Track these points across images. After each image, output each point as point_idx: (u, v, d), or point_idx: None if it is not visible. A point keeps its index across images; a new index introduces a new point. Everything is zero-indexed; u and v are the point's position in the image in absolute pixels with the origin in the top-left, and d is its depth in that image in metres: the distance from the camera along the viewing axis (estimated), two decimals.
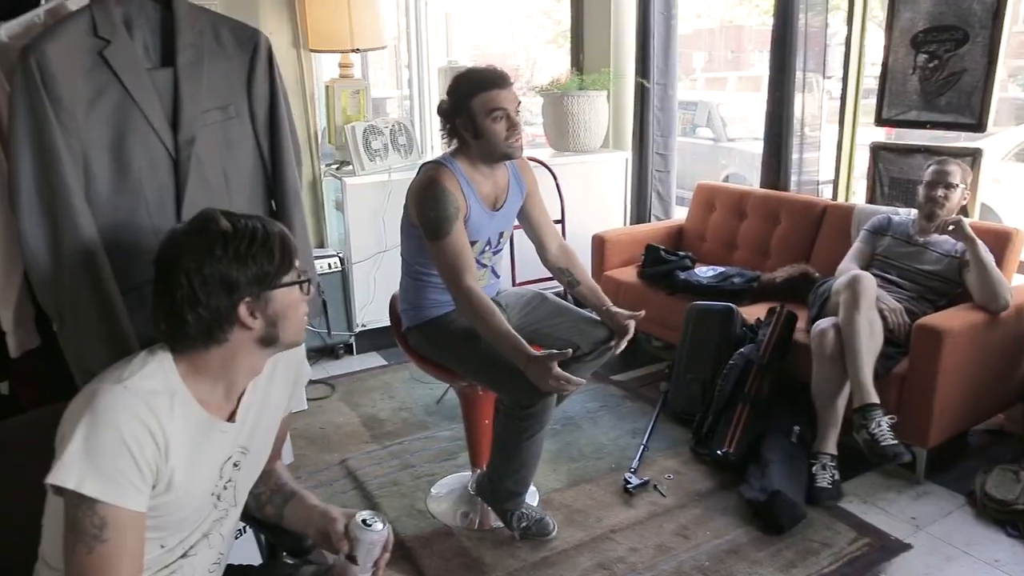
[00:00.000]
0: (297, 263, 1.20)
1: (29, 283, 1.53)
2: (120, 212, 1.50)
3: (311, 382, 3.37)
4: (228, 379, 1.18)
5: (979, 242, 2.48)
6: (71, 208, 1.42)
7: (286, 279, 1.17)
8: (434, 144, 4.48)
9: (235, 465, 1.21)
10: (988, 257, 2.48)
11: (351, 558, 1.18)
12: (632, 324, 2.13)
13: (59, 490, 1.01)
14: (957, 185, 2.64)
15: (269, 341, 1.18)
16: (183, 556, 1.18)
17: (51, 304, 1.49)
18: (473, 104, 2.03)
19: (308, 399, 3.21)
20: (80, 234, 1.44)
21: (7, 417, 1.30)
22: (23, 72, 1.36)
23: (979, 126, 2.88)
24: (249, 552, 1.59)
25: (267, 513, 1.34)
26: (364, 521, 1.18)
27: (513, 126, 2.04)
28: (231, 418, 1.20)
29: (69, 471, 0.99)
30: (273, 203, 1.78)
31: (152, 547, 1.12)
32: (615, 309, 2.18)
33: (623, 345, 2.14)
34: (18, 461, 1.19)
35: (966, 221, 2.53)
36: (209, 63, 1.58)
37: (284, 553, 1.40)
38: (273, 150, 1.72)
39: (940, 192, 2.64)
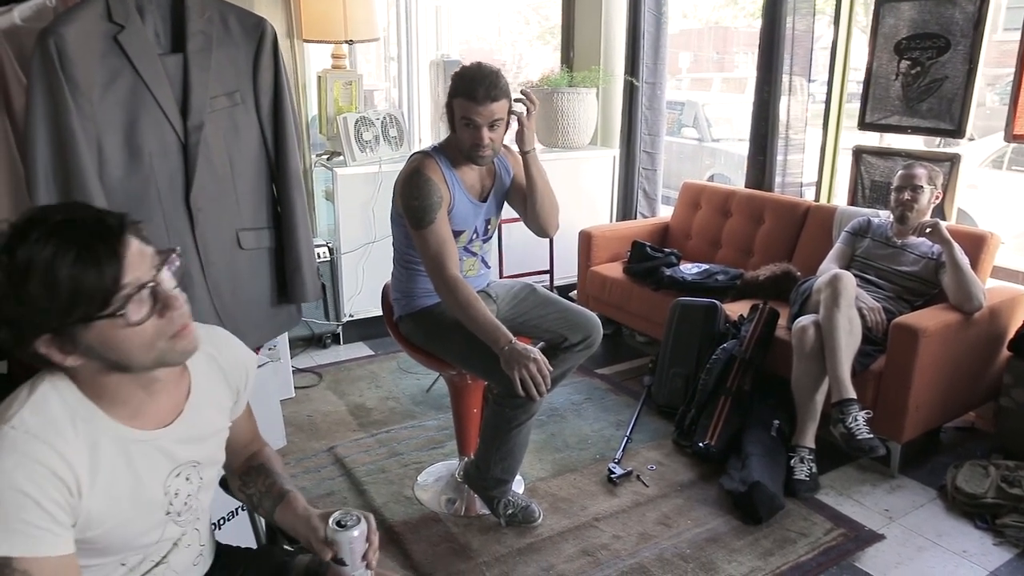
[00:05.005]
0: (124, 280, 0.94)
1: None
2: (131, 195, 1.53)
3: (298, 370, 3.40)
4: (125, 400, 1.04)
5: (955, 244, 2.56)
6: (86, 191, 1.44)
7: (91, 312, 0.94)
8: (422, 137, 4.51)
9: (187, 479, 1.13)
10: (963, 259, 2.56)
11: (338, 561, 1.16)
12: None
13: None
14: (923, 187, 2.72)
15: (123, 368, 1.00)
16: (156, 565, 1.15)
17: None
18: (454, 104, 2.07)
19: (296, 387, 3.23)
20: None
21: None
22: (41, 54, 1.37)
23: (958, 132, 2.97)
24: (243, 534, 1.62)
25: (260, 513, 1.31)
26: (339, 523, 1.16)
27: (478, 139, 2.04)
28: (168, 424, 1.10)
29: None
30: (275, 188, 1.81)
31: (114, 568, 1.08)
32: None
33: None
34: None
35: (943, 224, 2.61)
36: (217, 50, 1.61)
37: (285, 540, 1.41)
38: (276, 136, 1.76)
39: (907, 195, 2.73)
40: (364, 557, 1.18)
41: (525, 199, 2.27)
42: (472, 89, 2.00)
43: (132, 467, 1.05)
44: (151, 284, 0.97)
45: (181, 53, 1.56)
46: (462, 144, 2.09)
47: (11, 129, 1.49)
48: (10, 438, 0.93)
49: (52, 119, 1.40)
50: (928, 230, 2.60)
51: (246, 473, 1.32)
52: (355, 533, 1.15)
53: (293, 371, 3.29)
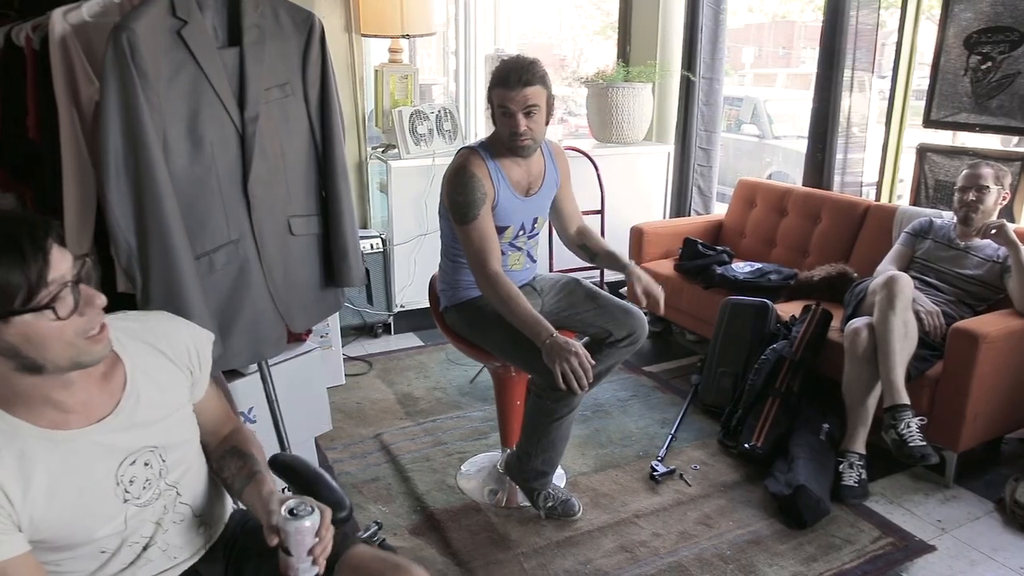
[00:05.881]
0: (50, 278, 0.96)
1: (98, 247, 1.63)
2: (194, 183, 1.59)
3: (349, 358, 3.47)
4: (43, 401, 1.04)
5: (1021, 247, 2.46)
6: (155, 181, 1.51)
7: (28, 304, 0.95)
8: (477, 131, 4.55)
9: (146, 464, 1.14)
10: None
11: (284, 550, 1.13)
12: (646, 299, 2.14)
13: None
14: (989, 187, 2.61)
15: (34, 369, 0.99)
16: (145, 548, 1.17)
17: (131, 269, 1.57)
18: (491, 96, 2.11)
19: (346, 375, 3.31)
20: (162, 205, 1.53)
21: None
22: (115, 48, 1.43)
23: None
24: None
25: (234, 497, 1.30)
26: (291, 511, 1.13)
27: (514, 127, 2.06)
28: (104, 417, 1.10)
29: None
30: (322, 176, 1.87)
31: (92, 556, 1.10)
32: (636, 271, 2.17)
33: (659, 307, 2.16)
34: None
35: (1009, 225, 2.50)
36: (270, 43, 1.67)
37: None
38: (324, 127, 1.82)
39: (972, 196, 2.62)
40: (311, 552, 1.13)
41: (561, 210, 2.35)
42: (505, 76, 2.04)
43: (70, 465, 1.05)
44: (73, 281, 0.98)
45: (237, 47, 1.62)
46: (502, 135, 2.11)
47: (79, 120, 1.57)
48: None
49: (125, 111, 1.47)
50: (993, 231, 2.50)
51: (221, 458, 1.31)
52: (305, 524, 1.12)
53: (344, 359, 3.37)
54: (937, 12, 3.15)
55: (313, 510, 1.14)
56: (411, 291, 3.76)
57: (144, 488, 1.14)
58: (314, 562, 1.14)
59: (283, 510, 1.13)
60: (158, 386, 1.18)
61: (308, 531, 1.12)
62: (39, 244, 0.95)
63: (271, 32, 1.67)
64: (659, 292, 2.16)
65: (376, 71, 3.76)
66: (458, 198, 2.09)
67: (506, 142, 2.12)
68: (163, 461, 1.17)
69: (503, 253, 2.20)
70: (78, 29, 1.54)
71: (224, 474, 1.30)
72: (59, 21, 1.51)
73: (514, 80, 2.02)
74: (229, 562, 1.31)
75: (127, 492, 1.12)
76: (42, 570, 1.04)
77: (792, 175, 6.39)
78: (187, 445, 1.24)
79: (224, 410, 1.37)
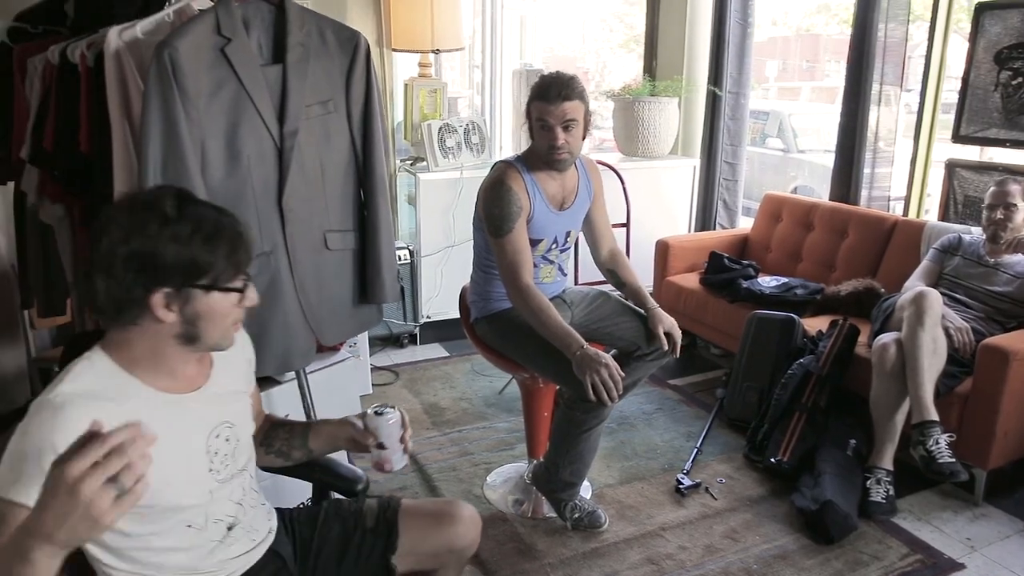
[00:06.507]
0: (246, 270, 1.14)
1: None
2: (229, 196, 1.64)
3: (376, 368, 3.52)
4: (165, 366, 1.14)
5: None
6: (192, 191, 1.56)
7: (220, 282, 1.10)
8: (503, 144, 4.59)
9: (226, 440, 1.23)
10: None
11: (380, 445, 1.30)
12: (664, 340, 2.19)
13: None
14: (1017, 204, 2.61)
15: (189, 339, 1.12)
16: (231, 529, 1.24)
17: None
18: (530, 109, 2.14)
19: (373, 384, 3.35)
20: None
21: None
22: (157, 65, 1.50)
23: None
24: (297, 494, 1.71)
25: (296, 457, 1.43)
26: (376, 412, 1.30)
27: (553, 140, 2.10)
28: (198, 388, 1.20)
29: None
30: (362, 192, 1.91)
31: (181, 530, 1.16)
32: (658, 312, 2.24)
33: (670, 352, 2.21)
34: None
35: None
36: (314, 61, 1.72)
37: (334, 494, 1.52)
38: (365, 144, 1.86)
39: (1000, 214, 2.62)
40: (401, 440, 1.31)
41: (593, 225, 2.39)
42: (545, 90, 2.08)
43: (172, 427, 1.13)
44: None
45: (281, 64, 1.68)
46: (540, 149, 2.15)
47: (131, 133, 1.63)
48: (48, 405, 1.02)
49: (164, 124, 1.53)
50: None
51: (266, 436, 1.44)
52: (391, 418, 1.30)
53: (371, 368, 3.41)
54: (966, 26, 3.15)
55: (393, 407, 1.32)
56: (437, 302, 3.80)
57: (224, 463, 1.23)
58: (405, 450, 1.32)
59: (369, 411, 1.30)
60: (232, 369, 1.29)
61: (397, 422, 1.31)
62: (239, 241, 1.12)
63: (316, 51, 1.72)
64: (679, 335, 2.22)
65: (406, 85, 3.82)
66: (494, 211, 2.12)
67: (543, 155, 2.15)
68: (238, 440, 1.26)
69: (535, 266, 2.23)
70: (131, 46, 1.61)
71: (276, 446, 1.42)
72: (114, 39, 1.58)
73: (554, 94, 2.06)
74: (295, 541, 1.40)
75: (212, 463, 1.20)
76: None
77: (817, 189, 6.36)
78: (249, 431, 1.33)
79: (259, 401, 1.48)
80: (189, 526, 1.18)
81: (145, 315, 1.08)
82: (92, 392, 1.06)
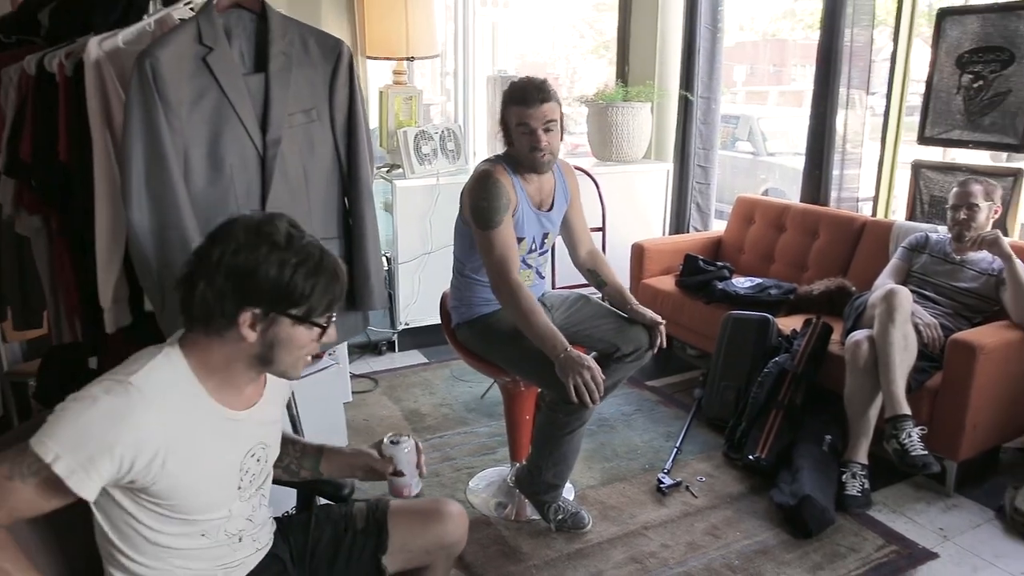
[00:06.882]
0: (332, 312, 1.19)
1: (126, 266, 1.67)
2: (212, 204, 1.64)
3: (355, 376, 3.51)
4: (233, 382, 1.19)
5: (1016, 259, 2.53)
6: (176, 201, 1.56)
7: (309, 316, 1.16)
8: (478, 150, 4.62)
9: (257, 460, 1.27)
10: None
11: (397, 473, 1.37)
12: (655, 332, 2.25)
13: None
14: (979, 205, 2.68)
15: (262, 362, 1.18)
16: (240, 540, 1.28)
17: (154, 289, 1.62)
18: (508, 115, 2.17)
19: (353, 392, 3.34)
20: (183, 225, 1.58)
21: None
22: (139, 75, 1.50)
23: (1022, 146, 2.92)
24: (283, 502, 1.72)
25: (303, 476, 1.46)
26: (392, 441, 1.38)
27: (536, 142, 2.13)
28: (250, 407, 1.25)
29: (48, 447, 1.02)
30: (347, 200, 1.92)
31: (195, 539, 1.19)
32: (639, 309, 2.29)
33: (657, 344, 2.25)
34: None
35: (1004, 238, 2.57)
36: (297, 70, 1.73)
37: (322, 500, 1.55)
38: (350, 151, 1.87)
39: (963, 214, 2.69)
40: (417, 466, 1.39)
41: (571, 227, 2.42)
42: (524, 95, 2.11)
43: (221, 441, 1.19)
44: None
45: (263, 72, 1.68)
46: (521, 153, 2.17)
47: (111, 143, 1.62)
48: (129, 392, 1.07)
49: (146, 134, 1.53)
50: (988, 242, 2.57)
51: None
52: (407, 447, 1.38)
53: (351, 376, 3.41)
54: (928, 31, 3.23)
55: (408, 436, 1.40)
56: (415, 309, 3.80)
57: (251, 482, 1.27)
58: (420, 474, 1.41)
59: (386, 441, 1.38)
60: (278, 395, 1.36)
61: (412, 450, 1.39)
62: (335, 283, 1.18)
63: (298, 59, 1.73)
64: (663, 329, 2.27)
65: (380, 92, 3.83)
66: (482, 203, 2.13)
67: (525, 159, 2.18)
68: (267, 461, 1.30)
69: None
70: (112, 55, 1.60)
71: (284, 461, 1.45)
72: (94, 48, 1.57)
73: (533, 98, 2.09)
74: (290, 546, 1.44)
75: (241, 480, 1.24)
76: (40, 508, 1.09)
77: (787, 192, 6.47)
78: (276, 454, 1.39)
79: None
80: (203, 535, 1.21)
81: (231, 329, 1.13)
82: (164, 395, 1.10)
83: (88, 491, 1.06)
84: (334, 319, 1.21)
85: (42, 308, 2.30)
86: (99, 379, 1.10)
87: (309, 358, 1.23)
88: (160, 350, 1.15)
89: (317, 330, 1.18)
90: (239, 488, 1.24)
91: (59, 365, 2.04)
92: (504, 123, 2.19)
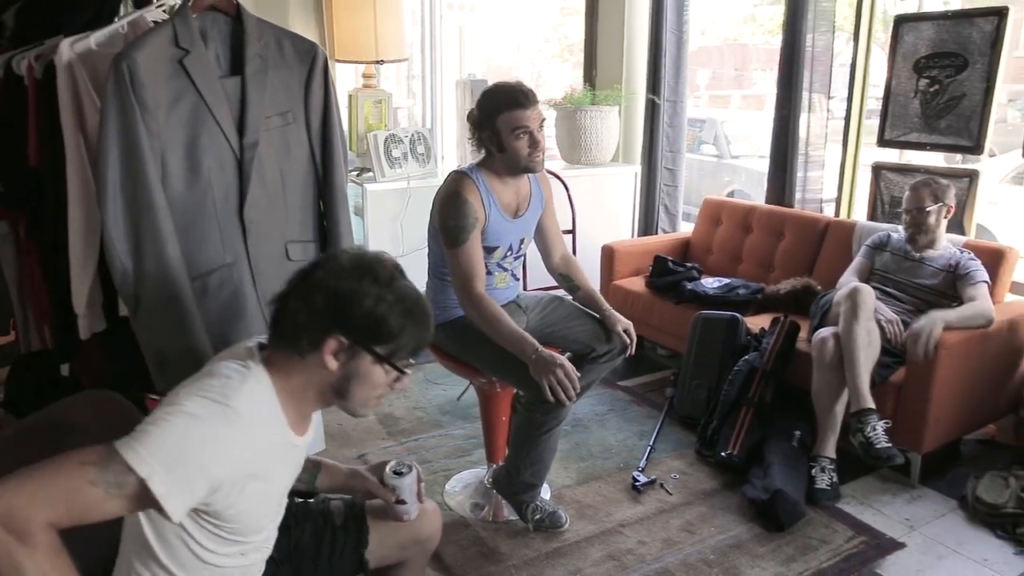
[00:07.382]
0: (412, 360, 1.21)
1: (100, 271, 1.65)
2: (189, 208, 1.63)
3: None
4: (303, 408, 1.21)
5: (945, 320, 2.52)
6: (152, 204, 1.55)
7: (392, 357, 1.17)
8: (446, 154, 4.62)
9: (296, 482, 1.32)
10: (962, 316, 2.56)
11: (400, 502, 1.41)
12: (624, 336, 2.29)
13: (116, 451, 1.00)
14: (929, 209, 2.76)
15: (337, 393, 1.19)
16: (259, 552, 1.30)
17: (128, 292, 1.61)
18: (499, 121, 2.15)
19: None
20: (159, 227, 1.57)
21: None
22: (115, 77, 1.48)
23: (977, 148, 3.02)
24: None
25: (298, 487, 1.44)
26: (395, 472, 1.42)
27: (535, 143, 2.17)
28: (303, 434, 1.27)
29: (145, 461, 0.99)
30: (321, 203, 1.91)
31: (235, 557, 1.20)
32: (610, 313, 2.33)
33: (628, 348, 2.30)
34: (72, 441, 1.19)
35: (924, 335, 2.48)
36: (273, 73, 1.72)
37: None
38: (324, 154, 1.86)
39: (914, 217, 2.78)
40: (417, 495, 1.45)
41: (545, 231, 2.44)
42: (516, 98, 2.13)
43: (284, 468, 1.22)
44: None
45: (239, 75, 1.67)
46: (517, 156, 2.17)
47: (84, 146, 1.60)
48: (229, 417, 1.07)
49: (123, 137, 1.51)
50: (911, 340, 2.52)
51: None
52: (411, 476, 1.43)
53: None
54: (885, 37, 3.33)
55: (410, 466, 1.45)
56: None
57: (281, 507, 1.30)
58: (420, 499, 1.47)
59: (389, 471, 1.42)
60: (317, 425, 1.37)
61: (414, 481, 1.44)
62: (422, 333, 1.20)
63: (274, 62, 1.73)
64: (634, 334, 2.32)
65: (350, 95, 3.81)
66: (450, 223, 2.15)
67: (522, 163, 2.19)
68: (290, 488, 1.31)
69: (490, 272, 2.27)
70: (84, 58, 1.58)
71: None
72: (66, 50, 1.55)
73: (526, 100, 2.12)
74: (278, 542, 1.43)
75: (281, 505, 1.28)
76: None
77: (751, 194, 6.58)
78: None
79: None
80: (243, 555, 1.22)
81: (314, 353, 1.14)
82: (259, 422, 1.11)
83: (179, 512, 1.04)
84: (412, 368, 1.23)
85: (10, 315, 2.25)
86: (189, 391, 1.07)
87: (380, 401, 1.24)
88: (248, 368, 1.14)
89: (395, 374, 1.20)
90: (278, 512, 1.28)
91: (28, 372, 2.00)
92: (492, 131, 2.16)
